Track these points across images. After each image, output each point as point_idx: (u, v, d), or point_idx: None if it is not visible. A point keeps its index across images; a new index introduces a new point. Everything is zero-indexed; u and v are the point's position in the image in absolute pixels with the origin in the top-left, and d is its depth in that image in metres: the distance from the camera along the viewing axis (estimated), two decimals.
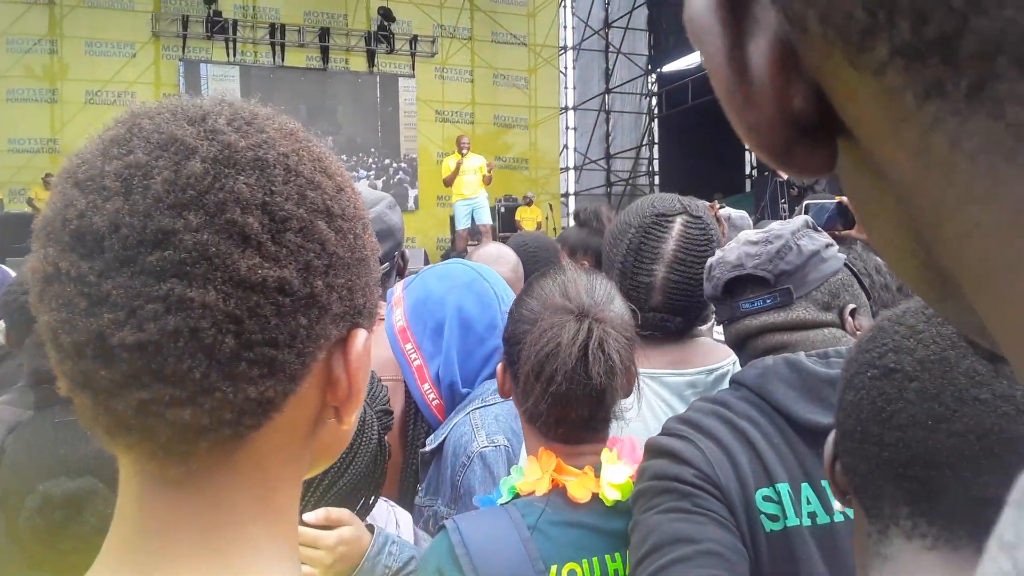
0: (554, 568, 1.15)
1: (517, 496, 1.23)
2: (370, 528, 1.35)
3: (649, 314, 1.53)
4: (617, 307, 1.25)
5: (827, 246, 1.33)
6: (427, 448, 1.73)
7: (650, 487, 1.13)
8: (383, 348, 1.86)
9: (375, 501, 1.38)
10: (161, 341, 0.48)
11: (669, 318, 1.57)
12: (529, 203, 14.93)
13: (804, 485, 1.13)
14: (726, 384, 1.53)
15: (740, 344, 1.33)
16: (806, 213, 2.63)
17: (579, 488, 1.18)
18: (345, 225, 0.56)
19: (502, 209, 15.07)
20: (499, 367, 1.34)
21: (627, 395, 1.25)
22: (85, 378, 0.49)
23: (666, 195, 1.67)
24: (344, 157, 16.92)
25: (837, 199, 2.62)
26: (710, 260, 1.37)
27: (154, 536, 0.52)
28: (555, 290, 1.24)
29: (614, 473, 1.20)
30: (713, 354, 1.64)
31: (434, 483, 1.68)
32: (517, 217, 14.54)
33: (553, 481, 1.20)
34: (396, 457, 1.92)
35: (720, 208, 2.91)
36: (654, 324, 1.55)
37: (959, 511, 0.75)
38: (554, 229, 15.21)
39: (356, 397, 0.58)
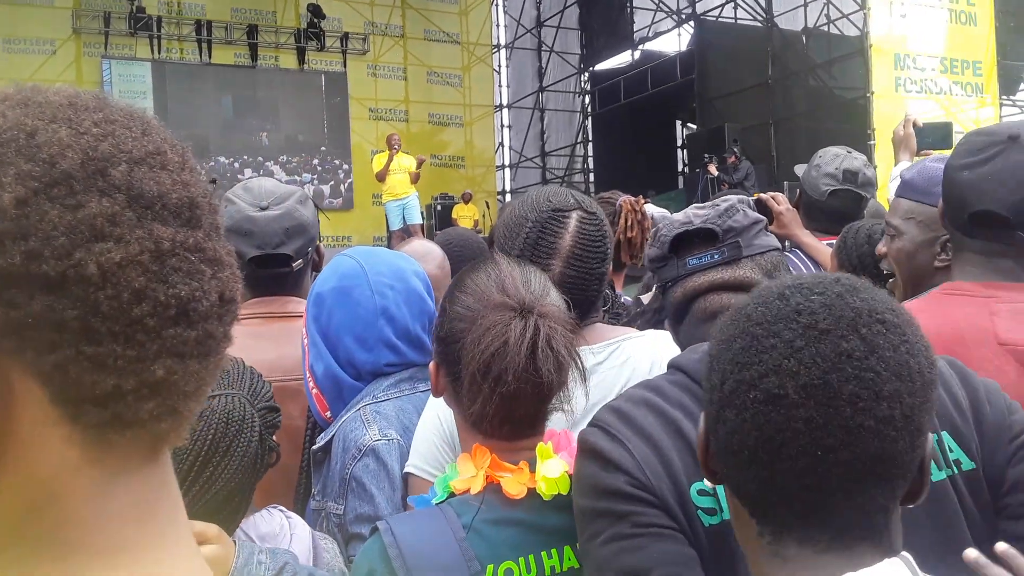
0: (491, 567, 1.12)
1: (452, 495, 1.20)
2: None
3: None
4: (554, 298, 1.23)
5: (766, 225, 1.35)
6: (316, 446, 1.69)
7: (587, 508, 1.10)
8: (296, 348, 1.82)
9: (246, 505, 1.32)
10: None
11: None
12: (467, 201, 14.92)
13: None
14: (617, 358, 1.55)
15: (684, 308, 1.29)
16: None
17: (514, 484, 1.16)
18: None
19: (439, 207, 15.04)
20: (431, 366, 1.30)
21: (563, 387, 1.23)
22: (201, 345, 0.53)
23: (559, 189, 1.67)
24: (285, 158, 16.70)
25: (756, 195, 2.66)
26: (659, 223, 1.36)
27: (146, 509, 0.55)
28: (491, 285, 1.21)
29: (549, 467, 1.18)
30: (606, 333, 1.65)
31: (328, 483, 1.64)
32: (454, 215, 14.52)
33: (488, 478, 1.17)
34: (295, 460, 1.86)
35: (646, 203, 2.94)
36: (569, 305, 1.55)
37: (849, 521, 0.77)
38: (491, 226, 15.20)
39: None
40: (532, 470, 1.18)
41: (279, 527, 1.41)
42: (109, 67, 15.61)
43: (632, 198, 2.38)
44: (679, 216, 1.33)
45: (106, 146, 0.50)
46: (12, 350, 0.47)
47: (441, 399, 1.32)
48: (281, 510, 1.46)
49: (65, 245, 0.47)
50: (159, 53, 15.94)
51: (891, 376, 0.75)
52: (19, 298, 0.46)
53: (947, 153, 1.78)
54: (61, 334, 0.47)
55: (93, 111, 0.52)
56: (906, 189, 1.86)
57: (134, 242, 0.49)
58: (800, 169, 2.84)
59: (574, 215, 1.57)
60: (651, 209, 3.09)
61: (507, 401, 1.15)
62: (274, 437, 1.91)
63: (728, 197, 1.33)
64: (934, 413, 0.82)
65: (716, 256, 1.26)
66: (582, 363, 1.23)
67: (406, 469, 1.53)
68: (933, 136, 2.40)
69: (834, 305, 0.78)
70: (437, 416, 1.52)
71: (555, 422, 1.29)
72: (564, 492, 1.17)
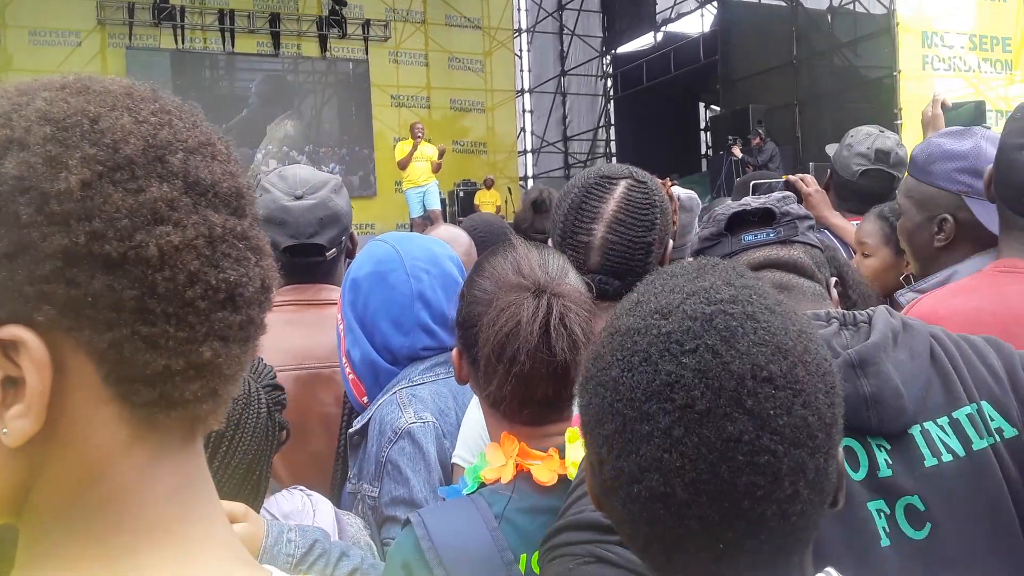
0: (524, 556, 1.11)
1: (483, 485, 1.19)
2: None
3: (587, 276, 1.51)
4: (572, 280, 1.23)
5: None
6: (353, 430, 1.70)
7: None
8: (329, 335, 1.83)
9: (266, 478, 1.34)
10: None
11: (607, 280, 1.51)
12: (488, 186, 14.90)
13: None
14: None
15: None
16: (754, 193, 2.63)
17: (544, 471, 1.15)
18: None
19: (461, 193, 15.03)
20: (454, 353, 1.30)
21: None
22: (243, 329, 0.56)
23: (619, 166, 1.65)
24: (311, 147, 16.76)
25: (784, 177, 2.63)
26: (688, 204, 1.37)
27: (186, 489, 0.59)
28: (507, 268, 1.21)
29: (579, 452, 1.14)
30: None
31: (364, 466, 1.65)
32: (476, 201, 14.51)
33: (518, 466, 1.16)
34: (329, 446, 1.89)
35: (672, 185, 2.92)
36: (591, 287, 1.54)
37: (757, 554, 0.70)
38: (514, 212, 15.19)
39: None
40: (562, 456, 1.16)
41: (301, 504, 1.42)
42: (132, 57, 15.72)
43: (660, 180, 2.38)
44: (734, 202, 1.34)
45: (164, 134, 0.52)
46: (70, 328, 0.49)
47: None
48: (301, 489, 1.47)
49: (127, 227, 0.49)
50: (183, 43, 16.01)
51: (789, 448, 0.67)
52: (81, 277, 0.48)
53: (958, 127, 1.76)
54: (119, 313, 0.49)
55: (150, 101, 0.54)
56: (910, 166, 1.85)
57: (190, 227, 0.51)
58: (832, 149, 2.81)
59: (622, 183, 1.55)
60: (678, 191, 3.08)
61: (522, 382, 1.14)
62: (307, 423, 1.93)
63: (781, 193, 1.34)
64: (835, 445, 0.72)
65: (771, 234, 1.27)
66: None
67: (452, 459, 1.53)
68: (964, 117, 2.38)
69: (710, 371, 0.67)
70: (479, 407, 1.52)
71: None
72: None
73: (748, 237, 1.28)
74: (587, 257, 1.52)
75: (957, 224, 1.72)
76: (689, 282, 0.75)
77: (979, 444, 1.05)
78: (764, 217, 1.28)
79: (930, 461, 1.04)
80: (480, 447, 1.49)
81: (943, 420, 1.06)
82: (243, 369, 0.57)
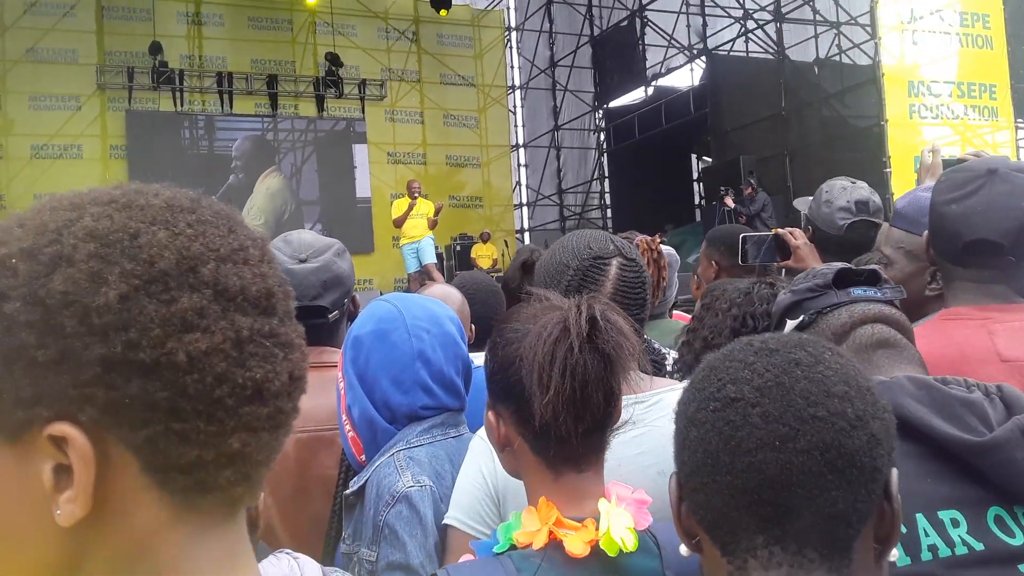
0: None
1: (514, 547, 1.18)
2: None
3: None
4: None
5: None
6: (349, 491, 1.70)
7: None
8: (330, 398, 1.84)
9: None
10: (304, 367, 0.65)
11: None
12: (484, 240, 15.01)
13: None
14: (664, 408, 1.51)
15: (844, 335, 1.29)
16: (744, 246, 2.67)
17: (577, 543, 1.13)
18: None
19: (457, 247, 15.13)
20: (489, 415, 1.28)
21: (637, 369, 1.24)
22: (272, 419, 0.59)
23: (598, 234, 1.69)
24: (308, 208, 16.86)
25: (773, 231, 2.67)
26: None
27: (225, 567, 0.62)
28: (535, 306, 1.24)
29: (616, 523, 1.15)
30: (645, 384, 1.67)
31: (359, 527, 1.64)
32: (473, 255, 14.61)
33: (551, 534, 1.15)
34: (320, 509, 1.88)
35: (662, 241, 2.97)
36: None
37: (810, 531, 0.78)
38: (509, 265, 15.25)
39: None
40: (597, 527, 1.15)
41: (288, 568, 1.42)
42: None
43: (648, 237, 2.42)
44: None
45: (198, 246, 0.57)
46: (110, 425, 0.54)
47: (483, 449, 1.31)
48: (288, 553, 1.46)
49: (159, 336, 0.54)
50: (182, 105, 16.26)
51: (839, 381, 0.81)
52: (118, 381, 0.53)
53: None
54: (153, 412, 0.54)
55: (187, 212, 0.59)
56: (897, 218, 1.90)
57: (218, 332, 0.56)
58: (802, 204, 2.84)
59: (614, 262, 1.59)
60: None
61: (579, 383, 1.13)
62: (307, 486, 1.93)
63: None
64: (890, 451, 0.83)
65: (879, 293, 1.31)
66: (646, 348, 1.22)
67: (445, 520, 1.53)
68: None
69: (783, 338, 0.88)
70: (480, 471, 1.51)
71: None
72: (630, 550, 1.14)
73: (858, 291, 1.31)
74: None
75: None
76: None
77: None
78: (870, 277, 1.33)
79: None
80: (476, 510, 1.50)
81: None
82: (276, 452, 0.62)
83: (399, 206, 11.82)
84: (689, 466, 0.85)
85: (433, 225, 11.69)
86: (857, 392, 0.81)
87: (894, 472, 0.82)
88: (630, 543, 1.13)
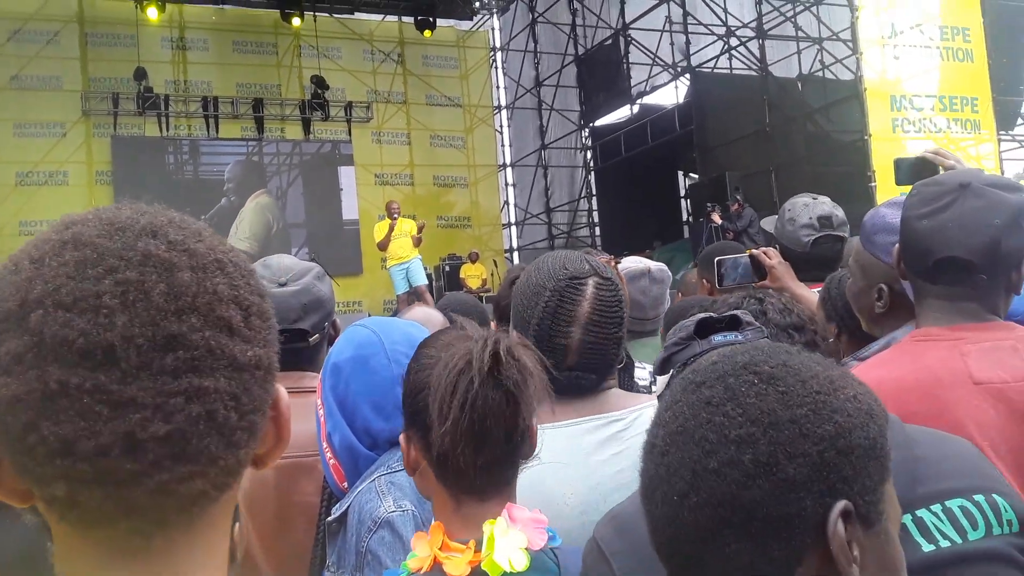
0: None
1: (410, 573, 1.22)
2: None
3: (565, 373, 1.55)
4: (519, 337, 1.28)
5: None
6: (331, 518, 1.69)
7: None
8: (311, 423, 1.83)
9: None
10: (186, 428, 0.56)
11: (584, 376, 1.60)
12: (474, 260, 15.02)
13: None
14: (642, 425, 1.50)
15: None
16: (720, 269, 2.68)
17: (456, 565, 1.17)
18: (270, 301, 0.65)
19: (447, 268, 15.14)
20: (401, 438, 1.33)
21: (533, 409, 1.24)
22: (101, 475, 0.54)
23: (572, 254, 1.71)
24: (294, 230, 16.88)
25: (748, 252, 2.68)
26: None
27: None
28: (451, 335, 1.29)
29: (504, 543, 1.18)
30: (628, 400, 1.67)
31: (343, 554, 1.63)
32: (462, 275, 14.62)
33: (435, 558, 1.19)
34: (310, 536, 1.86)
35: (618, 263, 2.98)
36: (569, 383, 1.58)
37: None
38: (499, 285, 15.28)
39: (284, 444, 0.67)
40: (478, 549, 1.18)
41: None
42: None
43: (605, 257, 2.44)
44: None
45: (39, 290, 0.55)
46: None
47: None
48: None
49: None
50: (167, 130, 16.27)
51: (745, 422, 0.75)
52: None
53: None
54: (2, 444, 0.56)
55: (71, 249, 0.57)
56: (860, 231, 1.91)
57: (25, 381, 0.54)
58: (769, 224, 2.86)
59: (591, 282, 1.61)
60: (647, 263, 3.12)
61: (477, 417, 1.16)
62: (288, 514, 1.91)
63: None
64: (843, 476, 0.75)
65: (740, 337, 1.31)
66: (545, 383, 1.24)
67: None
68: (905, 172, 2.41)
69: (722, 361, 0.82)
70: None
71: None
72: (518, 571, 1.16)
73: (718, 338, 1.31)
74: (565, 357, 1.58)
75: (893, 293, 1.78)
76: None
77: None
78: (730, 323, 1.34)
79: (927, 547, 1.04)
80: None
81: (936, 507, 1.06)
82: (129, 506, 0.56)
83: (380, 228, 11.78)
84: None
85: (418, 243, 11.67)
86: (770, 430, 0.75)
87: (836, 507, 0.74)
88: (519, 564, 1.16)
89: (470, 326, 1.29)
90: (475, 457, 1.19)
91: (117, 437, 0.54)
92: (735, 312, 1.36)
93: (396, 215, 11.56)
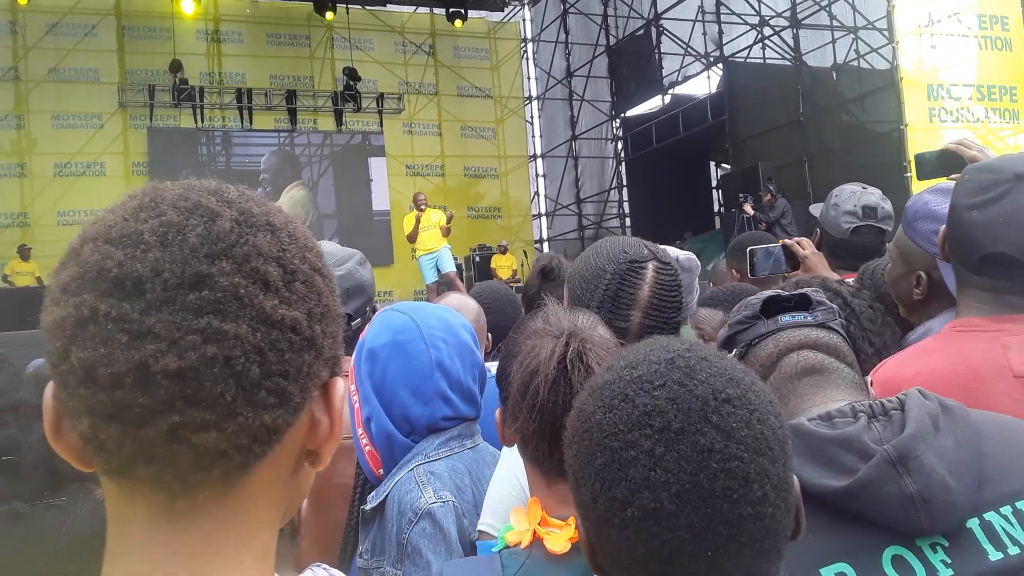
0: None
1: (508, 546, 1.23)
2: None
3: None
4: (601, 332, 1.28)
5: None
6: (368, 506, 1.69)
7: None
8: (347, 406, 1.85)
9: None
10: (199, 367, 0.54)
11: None
12: (504, 251, 15.04)
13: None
14: None
15: (772, 365, 1.24)
16: (752, 258, 2.66)
17: (557, 541, 1.18)
18: (331, 285, 0.64)
19: (477, 258, 15.18)
20: (497, 412, 1.35)
21: None
22: (117, 408, 0.54)
23: (631, 239, 1.70)
24: (328, 220, 17.02)
25: (781, 241, 2.67)
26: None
27: (155, 567, 0.58)
28: (538, 321, 1.29)
29: None
30: None
31: (379, 543, 1.63)
32: (492, 265, 14.64)
33: (535, 533, 1.20)
34: (341, 517, 1.88)
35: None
36: None
37: None
38: (528, 275, 15.30)
39: (336, 439, 0.64)
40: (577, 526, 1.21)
41: None
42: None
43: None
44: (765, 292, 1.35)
45: (94, 228, 0.59)
46: None
47: (518, 456, 1.33)
48: (325, 568, 1.48)
49: (46, 304, 0.58)
50: (202, 122, 16.47)
51: (753, 456, 0.76)
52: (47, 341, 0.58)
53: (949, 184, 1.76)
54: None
55: (126, 202, 0.61)
56: (902, 217, 1.87)
57: (65, 306, 0.56)
58: (816, 209, 2.84)
59: (650, 266, 1.61)
60: (674, 251, 3.13)
61: (544, 417, 1.18)
62: (328, 493, 1.94)
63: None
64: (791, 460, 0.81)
65: (809, 317, 1.25)
66: None
67: (479, 527, 1.54)
68: (930, 165, 2.36)
69: (679, 398, 0.78)
70: (516, 478, 1.52)
71: None
72: None
73: (786, 318, 1.25)
74: (624, 341, 1.55)
75: (932, 281, 1.75)
76: (646, 345, 0.88)
77: None
78: (800, 303, 1.27)
79: (994, 555, 0.97)
80: (505, 513, 1.50)
81: (1006, 509, 0.99)
82: (146, 449, 0.56)
83: (408, 221, 11.80)
84: (610, 558, 0.82)
85: (447, 233, 11.68)
86: (769, 454, 0.77)
87: (795, 483, 0.81)
88: None
89: (553, 314, 1.29)
90: (551, 452, 1.20)
91: (131, 366, 0.54)
92: (805, 291, 1.29)
93: (424, 207, 11.58)
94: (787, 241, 2.61)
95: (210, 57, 16.82)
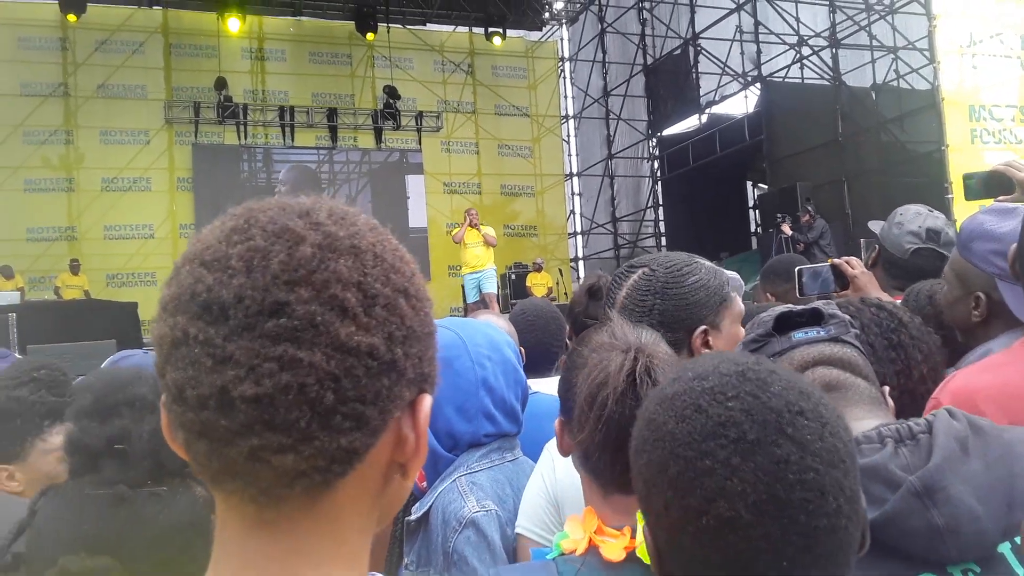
0: None
1: (563, 553, 1.24)
2: None
3: None
4: (664, 348, 1.30)
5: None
6: (412, 516, 1.72)
7: None
8: None
9: None
10: (275, 394, 0.56)
11: None
12: (539, 269, 15.09)
13: None
14: None
15: None
16: (800, 278, 2.64)
17: (613, 549, 1.19)
18: (418, 304, 0.64)
19: (512, 276, 15.23)
20: (556, 423, 1.35)
21: None
22: (204, 428, 0.57)
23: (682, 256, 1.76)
24: None
25: (830, 261, 2.65)
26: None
27: (249, 570, 0.61)
28: (603, 335, 1.30)
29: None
30: None
31: (424, 553, 1.66)
32: (528, 283, 14.69)
33: (591, 541, 1.21)
34: (385, 529, 1.90)
35: None
36: None
37: None
38: (565, 293, 15.35)
39: (422, 454, 0.66)
40: (633, 536, 1.19)
41: None
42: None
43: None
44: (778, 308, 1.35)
45: (192, 248, 0.62)
46: None
47: (547, 457, 1.36)
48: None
49: (155, 316, 0.62)
50: (245, 138, 16.77)
51: (827, 468, 0.77)
52: None
53: (1006, 205, 1.75)
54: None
55: (224, 222, 0.63)
56: (956, 238, 1.85)
57: (161, 326, 0.60)
58: (876, 225, 2.79)
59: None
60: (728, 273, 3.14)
61: (611, 429, 1.19)
62: None
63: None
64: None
65: (822, 332, 1.24)
66: None
67: (516, 529, 1.58)
68: (976, 189, 2.32)
69: (753, 410, 0.79)
70: (541, 477, 1.57)
71: None
72: None
73: (798, 335, 1.25)
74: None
75: (991, 302, 1.72)
76: (712, 357, 0.89)
77: None
78: (812, 317, 1.26)
79: None
80: (539, 515, 1.55)
81: None
82: (230, 466, 0.58)
83: (456, 231, 11.80)
84: (685, 567, 0.83)
85: (493, 242, 11.62)
86: (842, 467, 0.79)
87: (862, 500, 0.82)
88: None
89: (619, 330, 1.31)
90: (612, 463, 1.22)
91: (214, 390, 0.56)
92: (816, 305, 1.28)
93: (475, 223, 11.49)
94: (836, 260, 2.55)
95: (254, 75, 17.15)
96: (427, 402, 0.65)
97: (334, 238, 0.60)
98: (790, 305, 1.33)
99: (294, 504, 0.60)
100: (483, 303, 11.29)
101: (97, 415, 1.08)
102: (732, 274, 3.08)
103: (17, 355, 3.05)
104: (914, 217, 2.64)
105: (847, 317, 1.28)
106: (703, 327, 1.59)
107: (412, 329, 0.62)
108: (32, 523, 1.08)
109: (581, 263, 19.63)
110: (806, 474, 0.76)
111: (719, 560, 0.78)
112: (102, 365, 2.52)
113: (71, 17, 15.14)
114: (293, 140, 17.11)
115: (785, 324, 1.27)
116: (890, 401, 1.23)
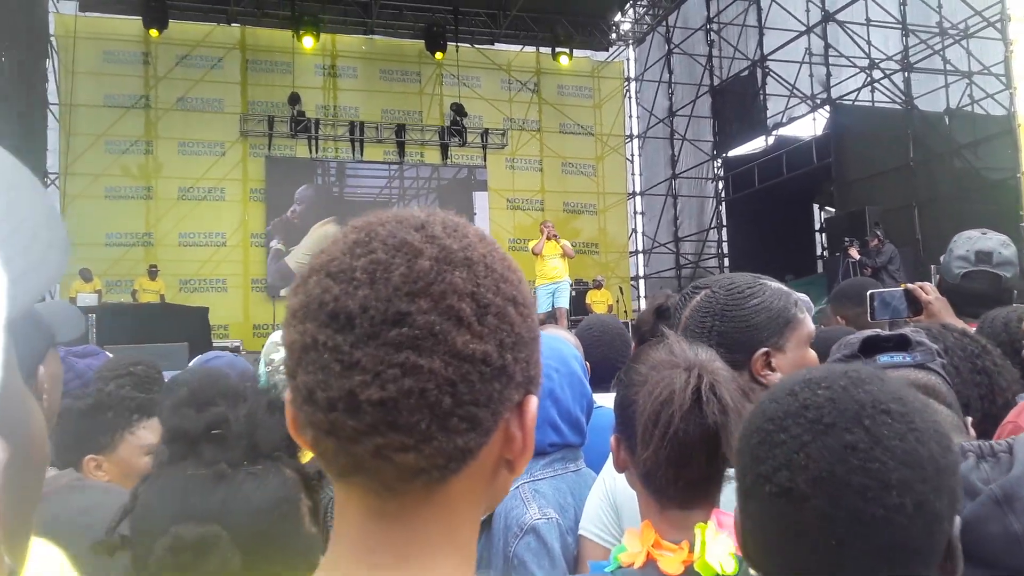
0: None
1: (621, 567, 1.26)
2: None
3: None
4: (720, 365, 1.31)
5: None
6: None
7: None
8: None
9: None
10: (398, 398, 0.59)
11: None
12: (599, 287, 15.07)
13: None
14: None
15: None
16: (873, 302, 2.56)
17: (671, 563, 1.21)
18: (525, 311, 0.67)
19: (573, 293, 15.21)
20: (612, 440, 1.36)
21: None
22: (332, 427, 0.61)
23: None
24: None
25: (903, 285, 2.62)
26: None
27: (370, 555, 0.66)
28: (662, 353, 1.31)
29: (715, 547, 1.20)
30: None
31: (485, 556, 1.70)
32: (588, 300, 14.67)
33: (648, 555, 1.23)
34: None
35: None
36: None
37: None
38: (625, 312, 15.30)
39: (529, 451, 0.69)
40: (691, 549, 1.21)
41: None
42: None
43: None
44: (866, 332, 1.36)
45: (319, 260, 0.65)
46: None
47: (609, 463, 1.39)
48: None
49: (284, 322, 0.67)
50: (316, 152, 17.18)
51: (898, 465, 0.78)
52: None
53: None
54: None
55: (347, 235, 0.66)
56: None
57: (292, 332, 0.63)
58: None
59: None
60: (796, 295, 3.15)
61: (677, 446, 1.21)
62: None
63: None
64: (957, 498, 0.82)
65: (908, 358, 1.25)
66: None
67: (579, 531, 1.63)
68: None
69: (839, 399, 0.83)
70: (603, 482, 1.62)
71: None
72: (728, 574, 1.19)
73: (884, 358, 1.26)
74: None
75: None
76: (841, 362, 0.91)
77: None
78: (899, 343, 1.27)
79: None
80: (599, 516, 1.60)
81: None
82: (357, 463, 0.63)
83: (550, 246, 11.70)
84: (750, 532, 0.88)
85: (571, 254, 11.66)
86: (919, 470, 0.79)
87: (956, 526, 0.82)
88: (729, 567, 1.20)
89: (678, 347, 1.32)
90: (675, 479, 1.24)
91: (342, 393, 0.60)
92: (904, 331, 1.29)
93: (552, 236, 11.51)
94: (910, 286, 2.53)
95: (326, 91, 17.58)
96: (533, 403, 0.69)
97: (449, 251, 0.63)
98: (877, 330, 1.33)
99: (413, 497, 0.64)
100: (552, 316, 11.27)
101: (195, 405, 1.14)
102: (802, 296, 3.07)
103: (108, 353, 3.22)
104: (964, 241, 2.63)
105: (934, 346, 1.29)
106: (764, 349, 1.58)
107: (520, 335, 0.66)
108: (135, 507, 1.13)
109: (642, 282, 19.54)
110: (871, 463, 0.78)
111: (775, 530, 0.83)
112: (189, 364, 2.65)
113: (154, 33, 15.71)
114: (362, 154, 17.46)
115: (872, 348, 1.28)
116: (972, 432, 1.23)
